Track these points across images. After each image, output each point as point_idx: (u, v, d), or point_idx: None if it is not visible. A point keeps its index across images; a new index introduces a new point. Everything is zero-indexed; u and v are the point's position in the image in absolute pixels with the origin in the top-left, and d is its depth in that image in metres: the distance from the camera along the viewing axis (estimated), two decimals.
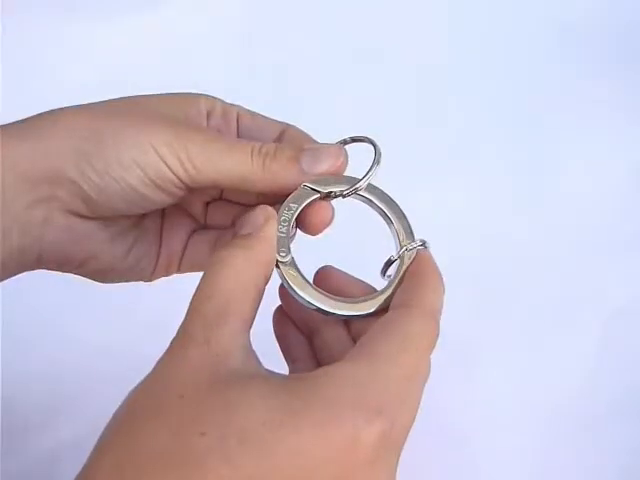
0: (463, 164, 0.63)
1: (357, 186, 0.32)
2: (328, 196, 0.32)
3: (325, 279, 0.33)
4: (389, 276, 0.32)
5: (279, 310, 0.35)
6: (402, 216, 0.33)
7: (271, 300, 0.32)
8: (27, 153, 0.29)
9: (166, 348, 0.26)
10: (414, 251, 0.32)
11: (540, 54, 0.72)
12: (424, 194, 0.60)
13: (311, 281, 0.32)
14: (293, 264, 0.30)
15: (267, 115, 0.35)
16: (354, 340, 0.32)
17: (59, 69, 0.66)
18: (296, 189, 0.31)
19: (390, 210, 0.33)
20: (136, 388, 0.26)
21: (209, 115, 0.33)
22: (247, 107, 0.35)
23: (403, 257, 0.32)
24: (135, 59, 0.65)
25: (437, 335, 0.28)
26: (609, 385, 0.53)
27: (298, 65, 0.68)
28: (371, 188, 0.33)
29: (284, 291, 0.33)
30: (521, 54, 0.72)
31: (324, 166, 0.31)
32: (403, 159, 0.63)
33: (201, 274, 0.28)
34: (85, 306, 0.53)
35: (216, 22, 0.70)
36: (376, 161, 0.32)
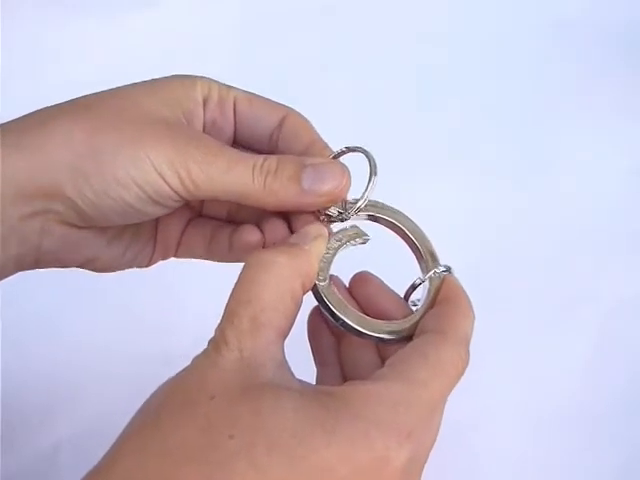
0: (463, 164, 0.63)
1: (359, 205, 0.32)
2: (329, 218, 0.32)
3: (361, 285, 0.33)
4: (412, 302, 0.33)
5: (315, 311, 0.34)
6: (426, 240, 0.33)
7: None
8: (23, 166, 0.28)
9: (202, 349, 0.26)
10: (440, 275, 0.32)
11: (540, 54, 0.72)
12: (423, 194, 0.60)
13: (347, 286, 0.33)
14: (330, 287, 0.30)
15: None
16: (379, 353, 0.33)
17: (59, 68, 0.66)
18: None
19: (414, 234, 0.33)
20: (168, 383, 0.26)
21: (205, 103, 0.32)
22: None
23: (432, 281, 0.32)
24: (135, 58, 0.65)
25: (467, 364, 0.28)
26: (607, 384, 0.53)
27: (298, 65, 0.68)
28: (393, 211, 0.33)
29: (315, 314, 0.33)
30: (521, 54, 0.72)
31: (326, 187, 0.31)
32: (403, 159, 0.63)
33: (228, 271, 0.27)
34: (85, 306, 0.53)
35: (216, 21, 0.70)
36: (373, 172, 0.31)
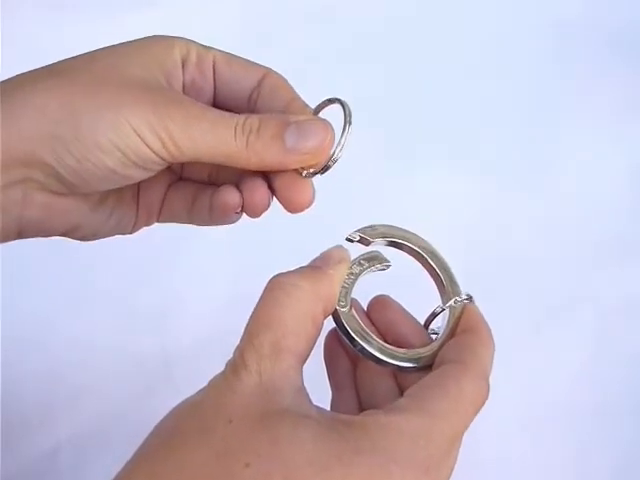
0: (462, 164, 0.63)
1: (335, 153, 0.30)
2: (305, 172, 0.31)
3: (381, 309, 0.33)
4: (432, 330, 0.33)
5: (332, 333, 0.33)
6: (447, 267, 0.33)
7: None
8: None
9: (221, 370, 0.26)
10: (461, 304, 0.32)
11: (540, 54, 0.72)
12: (423, 194, 0.60)
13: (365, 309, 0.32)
14: (351, 313, 0.30)
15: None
16: (397, 381, 0.32)
17: None
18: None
19: (435, 261, 0.33)
20: (184, 403, 0.25)
21: (184, 64, 0.32)
22: None
23: (452, 310, 0.32)
24: None
25: (487, 396, 0.28)
26: (606, 384, 0.53)
27: (298, 65, 0.68)
28: (414, 237, 0.33)
29: (331, 338, 0.33)
30: (521, 54, 0.72)
31: (309, 144, 0.30)
32: (403, 159, 0.63)
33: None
34: (85, 306, 0.53)
35: (216, 21, 0.70)
36: (348, 122, 0.31)
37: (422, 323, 0.33)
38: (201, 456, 0.23)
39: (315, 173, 0.31)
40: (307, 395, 0.26)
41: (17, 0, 0.67)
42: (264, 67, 0.33)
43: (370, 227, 0.32)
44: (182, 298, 0.53)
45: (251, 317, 0.27)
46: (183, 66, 0.32)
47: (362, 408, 0.32)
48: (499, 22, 0.73)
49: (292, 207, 0.32)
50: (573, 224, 0.60)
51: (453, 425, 0.26)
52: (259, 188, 0.32)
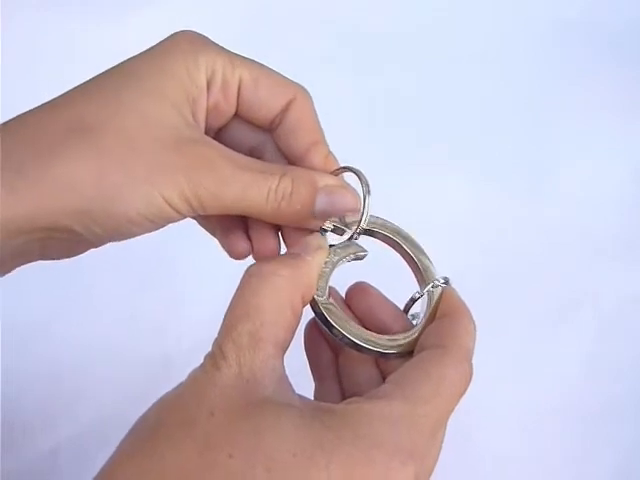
0: (463, 164, 0.63)
1: (360, 227, 0.31)
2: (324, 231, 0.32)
3: (359, 296, 0.33)
4: (412, 315, 0.33)
5: (312, 323, 0.33)
6: (422, 252, 0.33)
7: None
8: (22, 213, 0.26)
9: (200, 363, 0.26)
10: (439, 288, 0.32)
11: (540, 53, 0.72)
12: (423, 194, 0.60)
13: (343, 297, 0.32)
14: (329, 300, 0.30)
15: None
16: (379, 368, 0.32)
17: (59, 68, 0.66)
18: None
19: (410, 247, 0.33)
20: (165, 398, 0.25)
21: (209, 87, 0.30)
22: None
23: (430, 295, 0.32)
24: None
25: (471, 378, 0.28)
26: (606, 384, 0.53)
27: (298, 65, 0.68)
28: (388, 224, 0.33)
29: (311, 327, 0.33)
30: (521, 53, 0.72)
31: (338, 213, 0.31)
32: (403, 159, 0.63)
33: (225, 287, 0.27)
34: (85, 306, 0.53)
35: (216, 21, 0.70)
36: (367, 192, 0.31)
37: (402, 309, 0.33)
38: (185, 450, 0.23)
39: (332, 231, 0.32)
40: (289, 384, 0.26)
41: (17, 0, 0.67)
42: (292, 87, 0.32)
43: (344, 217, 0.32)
44: (182, 301, 0.52)
45: (229, 308, 0.26)
46: (208, 89, 0.31)
47: (345, 398, 0.31)
48: (499, 22, 0.73)
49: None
50: (573, 224, 0.60)
51: (436, 409, 0.26)
52: (270, 241, 0.32)
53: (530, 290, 0.57)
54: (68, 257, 0.31)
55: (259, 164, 0.30)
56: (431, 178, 0.62)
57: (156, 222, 0.28)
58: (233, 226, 0.33)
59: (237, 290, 0.27)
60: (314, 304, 0.30)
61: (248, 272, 0.27)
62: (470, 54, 0.71)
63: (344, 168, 0.32)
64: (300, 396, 0.26)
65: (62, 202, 0.26)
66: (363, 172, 0.31)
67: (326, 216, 0.31)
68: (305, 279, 0.28)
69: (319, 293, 0.30)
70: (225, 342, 0.25)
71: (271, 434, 0.23)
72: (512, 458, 0.50)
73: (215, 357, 0.25)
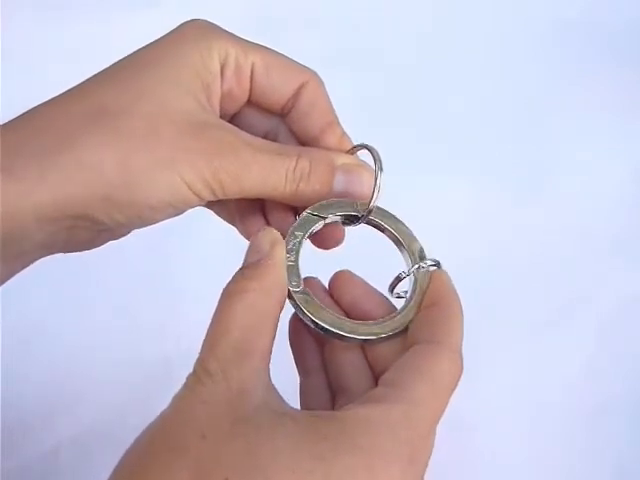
0: (463, 164, 0.63)
1: (371, 205, 0.31)
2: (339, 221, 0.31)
3: (341, 285, 0.32)
4: (397, 294, 0.31)
5: (295, 316, 0.32)
6: (405, 229, 0.32)
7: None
8: (47, 200, 0.26)
9: (183, 382, 0.25)
10: (427, 270, 0.31)
11: (540, 53, 0.72)
12: (424, 195, 0.60)
13: (326, 287, 0.32)
14: (305, 291, 0.29)
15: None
16: (366, 356, 0.31)
17: (59, 68, 0.66)
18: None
19: (399, 230, 0.32)
20: (155, 423, 0.24)
21: (222, 72, 0.31)
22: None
23: (417, 276, 0.31)
24: None
25: (462, 370, 0.28)
26: (606, 384, 0.53)
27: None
28: (378, 210, 0.32)
29: (295, 320, 0.32)
30: (521, 53, 0.72)
31: (356, 192, 0.31)
32: (403, 159, 0.63)
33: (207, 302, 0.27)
34: (85, 307, 0.53)
35: (216, 21, 0.70)
36: (379, 168, 0.31)
37: (387, 287, 0.32)
38: (178, 479, 0.22)
39: (351, 223, 0.32)
40: (277, 393, 0.26)
41: (17, 0, 0.67)
42: (304, 71, 0.32)
43: (320, 205, 0.31)
44: (182, 302, 0.53)
45: (208, 330, 0.26)
46: (221, 75, 0.31)
47: (332, 390, 0.31)
48: (499, 22, 0.73)
49: (322, 247, 0.32)
50: (573, 224, 0.60)
51: (432, 409, 0.26)
52: (289, 223, 0.31)
53: (530, 290, 0.57)
54: (89, 249, 0.31)
55: (276, 146, 0.31)
56: (431, 178, 0.62)
57: (177, 207, 0.28)
58: (250, 211, 0.33)
59: (215, 314, 0.26)
60: (289, 297, 0.29)
61: (222, 296, 0.27)
62: (470, 54, 0.71)
63: (359, 146, 0.32)
64: (290, 407, 0.26)
65: (88, 189, 0.26)
66: (377, 149, 0.31)
67: (344, 196, 0.31)
68: (274, 283, 0.27)
69: (293, 284, 0.29)
70: (209, 360, 0.25)
71: (266, 451, 0.23)
72: (512, 458, 0.50)
73: (198, 375, 0.25)
